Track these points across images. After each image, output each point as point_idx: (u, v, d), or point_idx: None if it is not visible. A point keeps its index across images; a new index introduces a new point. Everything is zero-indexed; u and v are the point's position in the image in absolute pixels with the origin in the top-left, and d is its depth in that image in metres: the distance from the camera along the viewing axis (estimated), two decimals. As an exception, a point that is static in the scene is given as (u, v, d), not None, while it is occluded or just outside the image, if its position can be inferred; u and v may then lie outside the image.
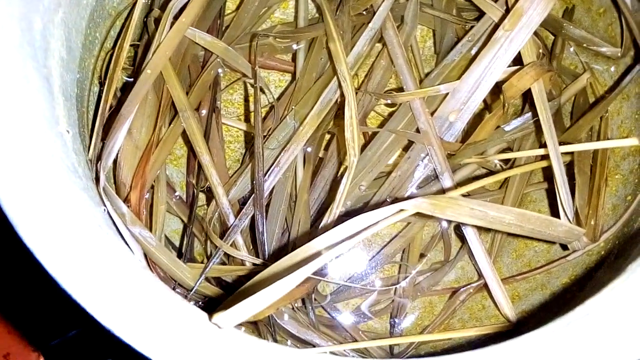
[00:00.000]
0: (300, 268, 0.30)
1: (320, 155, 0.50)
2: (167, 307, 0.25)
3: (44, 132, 0.28)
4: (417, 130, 0.47)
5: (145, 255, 0.40)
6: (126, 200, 0.41)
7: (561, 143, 0.42)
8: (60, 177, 0.26)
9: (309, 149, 0.49)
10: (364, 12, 0.50)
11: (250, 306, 0.28)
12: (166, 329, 0.23)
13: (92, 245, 0.24)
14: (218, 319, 0.26)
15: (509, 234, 0.48)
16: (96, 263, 0.24)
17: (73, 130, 0.35)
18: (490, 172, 0.48)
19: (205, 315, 0.27)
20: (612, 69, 0.47)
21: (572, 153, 0.44)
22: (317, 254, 0.33)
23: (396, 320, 0.47)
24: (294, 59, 0.52)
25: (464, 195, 0.38)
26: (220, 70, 0.48)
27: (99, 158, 0.40)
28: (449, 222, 0.48)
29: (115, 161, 0.42)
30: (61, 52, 0.36)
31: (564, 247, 0.44)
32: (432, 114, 0.46)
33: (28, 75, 0.29)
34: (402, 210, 0.34)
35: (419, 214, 0.35)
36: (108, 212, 0.37)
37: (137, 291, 0.24)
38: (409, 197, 0.39)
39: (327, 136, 0.52)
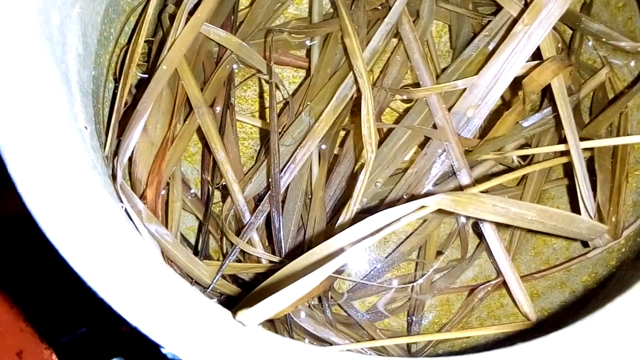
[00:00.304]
0: (320, 266, 0.30)
1: (335, 152, 0.50)
2: (190, 304, 0.25)
3: (64, 128, 0.27)
4: (434, 126, 0.46)
5: (162, 253, 0.40)
6: (142, 197, 0.41)
7: (581, 139, 0.41)
8: (82, 172, 0.26)
9: (323, 146, 0.48)
10: (379, 7, 0.50)
11: (274, 304, 0.27)
12: (191, 326, 0.23)
13: (116, 241, 0.24)
14: (242, 317, 0.26)
15: (527, 232, 0.47)
16: (120, 258, 0.23)
17: (90, 126, 0.35)
18: (508, 169, 0.48)
19: (228, 312, 0.27)
20: (632, 63, 0.46)
21: (591, 149, 0.43)
22: (338, 252, 0.32)
23: (414, 318, 0.47)
24: (308, 54, 0.51)
25: (482, 192, 0.37)
26: (235, 66, 0.48)
27: (115, 155, 0.40)
28: (468, 219, 0.47)
29: (130, 158, 0.42)
30: (78, 48, 0.35)
31: (585, 244, 0.43)
32: (449, 109, 0.46)
33: (47, 70, 0.28)
34: (423, 207, 0.33)
35: (439, 211, 0.34)
36: (125, 209, 0.36)
37: (162, 287, 0.24)
38: (426, 194, 0.39)
39: (342, 133, 0.51)
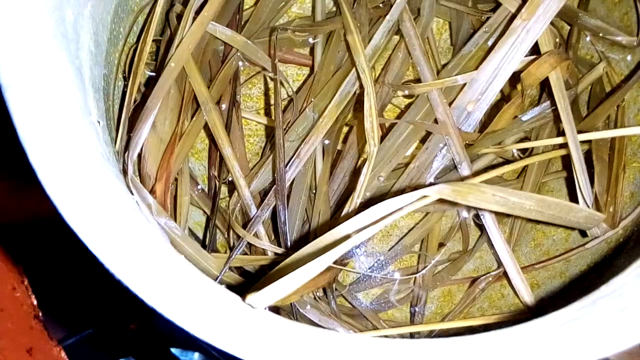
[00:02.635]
0: (325, 254, 0.31)
1: (339, 148, 0.51)
2: (202, 286, 0.26)
3: (79, 120, 0.29)
4: (435, 121, 0.47)
5: (171, 245, 0.41)
6: (151, 192, 0.42)
7: (579, 131, 0.42)
8: (98, 163, 0.27)
9: (326, 142, 0.49)
10: (381, 5, 0.51)
11: (282, 287, 0.29)
12: (205, 307, 0.24)
13: (132, 227, 0.25)
14: (251, 300, 0.27)
15: (528, 222, 0.48)
16: (137, 243, 0.24)
17: (102, 122, 0.36)
18: (508, 162, 0.49)
19: (237, 297, 0.28)
20: (629, 57, 0.47)
21: (589, 142, 0.44)
22: (343, 240, 0.33)
23: (416, 308, 0.48)
24: (311, 53, 0.53)
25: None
26: (240, 64, 0.49)
27: (125, 150, 0.41)
28: (469, 210, 0.48)
29: (139, 154, 0.43)
30: (90, 46, 0.37)
31: (583, 234, 0.44)
32: (450, 104, 0.47)
33: (63, 65, 0.29)
34: (424, 196, 0.34)
35: (440, 202, 0.36)
36: (137, 203, 0.37)
37: (176, 272, 0.25)
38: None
39: (345, 129, 0.52)
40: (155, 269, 0.24)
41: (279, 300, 0.30)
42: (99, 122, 0.34)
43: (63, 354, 0.59)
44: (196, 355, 0.63)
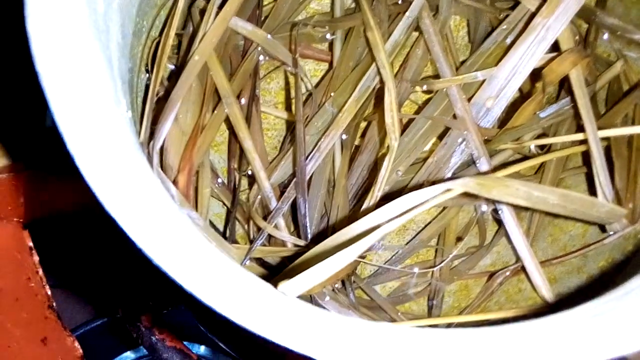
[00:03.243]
0: (347, 247, 0.31)
1: (357, 143, 0.52)
2: (238, 274, 0.26)
3: (113, 109, 0.29)
4: (454, 117, 0.48)
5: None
6: (174, 183, 0.43)
7: (598, 128, 0.42)
8: (134, 152, 0.28)
9: (344, 136, 0.50)
10: (400, 2, 0.51)
11: (312, 277, 0.29)
12: (240, 292, 0.24)
13: (167, 213, 0.26)
14: (284, 287, 0.28)
15: (545, 217, 0.49)
16: (172, 229, 0.25)
17: (130, 113, 0.37)
18: (526, 158, 0.49)
19: (269, 285, 0.28)
20: (647, 56, 0.47)
21: (608, 139, 0.45)
22: (366, 233, 0.34)
23: (434, 302, 0.48)
24: (330, 48, 0.53)
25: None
26: (261, 58, 0.49)
27: (149, 141, 0.41)
28: (488, 204, 0.48)
29: (161, 146, 0.43)
30: (117, 38, 0.37)
31: (602, 229, 0.44)
32: (468, 100, 0.47)
33: (97, 55, 0.30)
34: (448, 190, 0.35)
35: (462, 196, 0.36)
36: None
37: (212, 259, 0.26)
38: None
39: (362, 125, 0.53)
40: (193, 256, 0.24)
41: (308, 290, 0.31)
42: (127, 113, 0.35)
43: (76, 343, 0.59)
44: (202, 348, 0.63)
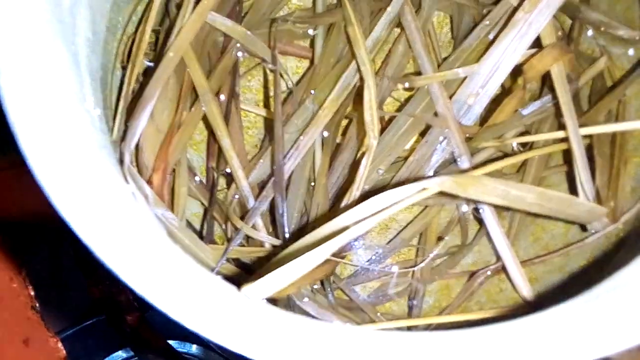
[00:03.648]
0: (321, 246, 0.30)
1: (338, 141, 0.51)
2: (197, 277, 0.26)
3: (75, 106, 0.28)
4: (435, 114, 0.47)
5: (169, 236, 0.40)
6: (149, 182, 0.42)
7: (580, 126, 0.42)
8: (92, 150, 0.27)
9: (325, 134, 0.49)
10: (382, -3, 0.50)
11: (279, 278, 0.28)
12: (198, 297, 0.24)
13: (126, 215, 0.25)
14: (247, 290, 0.27)
15: (527, 216, 0.48)
16: (130, 232, 0.24)
17: (99, 110, 0.36)
18: (508, 156, 0.48)
19: (233, 287, 0.28)
20: (631, 52, 0.46)
21: (590, 137, 0.44)
22: (340, 231, 0.33)
23: (414, 302, 0.48)
24: (311, 45, 0.52)
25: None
26: (240, 54, 0.48)
27: (122, 140, 0.41)
28: (468, 203, 0.48)
29: (137, 144, 0.42)
30: (87, 33, 0.36)
31: (583, 228, 0.44)
32: (450, 97, 0.46)
33: (58, 50, 0.29)
34: (425, 188, 0.34)
35: (440, 195, 0.35)
36: (133, 193, 0.37)
37: (170, 262, 0.25)
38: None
39: (344, 122, 0.52)
40: (147, 258, 0.24)
41: (277, 291, 0.30)
42: (95, 109, 0.34)
43: (60, 345, 0.59)
44: (194, 347, 0.63)
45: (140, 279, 0.23)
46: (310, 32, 0.51)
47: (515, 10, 0.45)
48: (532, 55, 0.43)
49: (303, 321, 0.26)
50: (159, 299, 0.23)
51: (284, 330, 0.24)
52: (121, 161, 0.39)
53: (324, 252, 0.29)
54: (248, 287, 0.27)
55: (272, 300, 0.44)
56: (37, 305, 0.57)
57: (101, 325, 0.67)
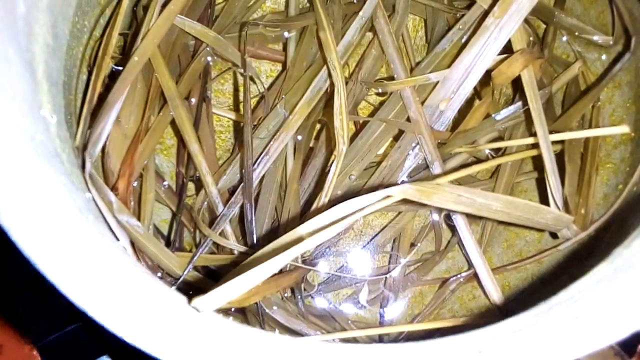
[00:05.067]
0: (277, 256, 0.30)
1: (311, 145, 0.50)
2: (144, 289, 0.25)
3: (23, 115, 0.28)
4: (408, 120, 0.46)
5: (133, 244, 0.40)
6: (114, 189, 0.41)
7: (552, 132, 0.41)
8: (42, 158, 0.26)
9: (299, 137, 0.48)
10: (355, 1, 0.50)
11: (230, 290, 0.28)
12: (141, 310, 0.23)
13: (67, 228, 0.24)
14: (197, 303, 0.26)
15: (500, 224, 0.48)
16: (70, 245, 0.23)
17: (59, 116, 0.35)
18: (481, 162, 0.48)
19: (184, 299, 0.27)
20: (604, 57, 0.46)
21: (563, 142, 0.44)
22: (301, 240, 0.33)
23: (386, 310, 0.47)
24: (284, 48, 0.52)
25: (454, 184, 0.37)
26: (209, 59, 0.48)
27: (85, 145, 0.40)
28: (439, 211, 0.47)
29: (103, 150, 0.42)
30: (46, 39, 0.35)
31: (554, 236, 0.43)
32: (422, 102, 0.46)
33: (9, 57, 0.28)
34: (388, 196, 0.34)
35: (407, 202, 0.35)
36: (94, 199, 0.36)
37: (113, 274, 0.24)
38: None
39: (318, 126, 0.51)
40: (88, 271, 0.23)
41: (234, 301, 0.30)
42: (52, 117, 0.33)
43: (35, 352, 0.58)
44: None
45: (76, 288, 0.22)
46: (286, 34, 0.51)
47: (486, 14, 0.44)
48: (503, 60, 0.42)
49: (249, 333, 0.25)
50: (96, 309, 0.22)
51: (227, 343, 0.23)
52: (83, 167, 0.38)
53: (277, 264, 0.29)
54: (199, 300, 0.26)
55: (241, 310, 0.43)
56: (13, 312, 0.56)
57: (81, 332, 0.66)
